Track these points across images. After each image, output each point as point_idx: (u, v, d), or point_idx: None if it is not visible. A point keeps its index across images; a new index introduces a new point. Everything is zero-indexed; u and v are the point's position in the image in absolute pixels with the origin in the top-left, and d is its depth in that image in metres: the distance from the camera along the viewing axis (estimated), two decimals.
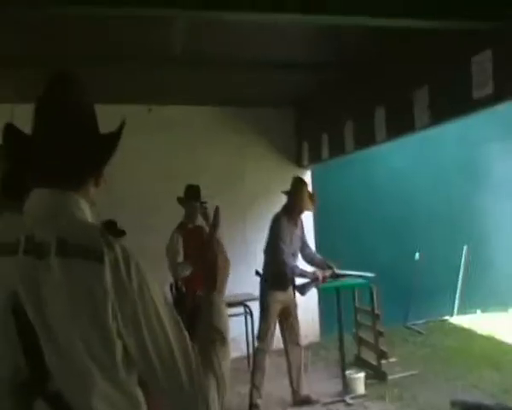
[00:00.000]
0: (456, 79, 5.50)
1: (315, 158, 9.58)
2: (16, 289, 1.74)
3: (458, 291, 11.73)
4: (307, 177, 10.14)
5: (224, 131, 9.71)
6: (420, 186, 11.53)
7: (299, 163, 10.21)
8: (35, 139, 1.93)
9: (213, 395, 1.86)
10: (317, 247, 8.90)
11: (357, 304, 8.85)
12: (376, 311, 8.37)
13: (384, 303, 8.60)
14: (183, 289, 7.07)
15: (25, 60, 6.44)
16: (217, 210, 2.22)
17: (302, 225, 7.71)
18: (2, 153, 3.26)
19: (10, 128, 2.00)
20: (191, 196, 7.44)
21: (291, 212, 7.41)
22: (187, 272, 7.01)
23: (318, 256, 7.91)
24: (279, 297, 7.37)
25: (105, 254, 1.74)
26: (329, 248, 9.18)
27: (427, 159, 11.62)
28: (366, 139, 7.43)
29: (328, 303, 8.48)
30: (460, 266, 11.80)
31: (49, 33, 5.99)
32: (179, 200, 7.47)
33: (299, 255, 7.74)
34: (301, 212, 7.49)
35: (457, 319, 11.47)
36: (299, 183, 7.46)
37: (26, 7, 4.05)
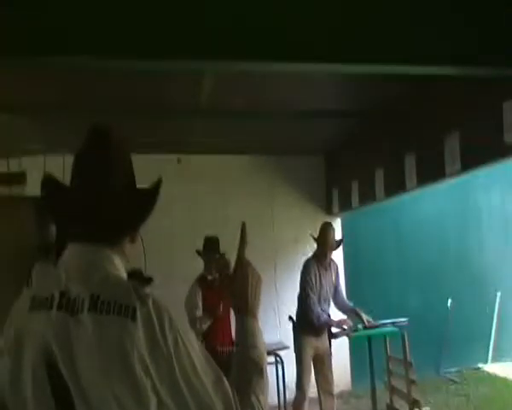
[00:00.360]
0: (487, 124, 5.44)
1: (345, 206, 9.54)
2: (50, 345, 1.74)
3: (492, 338, 11.52)
4: (337, 225, 10.13)
5: (253, 179, 9.73)
6: (450, 232, 11.45)
7: (328, 211, 10.18)
8: (73, 194, 1.93)
9: None
10: (347, 293, 8.83)
11: (388, 352, 8.74)
12: (409, 359, 8.26)
13: (416, 351, 8.45)
14: (203, 342, 7.00)
15: (54, 110, 6.51)
16: (243, 226, 2.20)
17: (337, 271, 7.75)
18: (41, 204, 3.29)
19: (50, 179, 2.01)
20: (209, 248, 7.32)
21: (319, 256, 7.50)
22: (205, 325, 6.95)
23: (350, 305, 7.87)
24: (311, 343, 7.37)
25: (137, 311, 1.73)
26: (359, 295, 9.11)
27: (457, 204, 11.53)
28: (396, 187, 7.38)
29: (360, 351, 8.39)
30: (493, 312, 11.61)
31: (77, 84, 6.07)
32: (198, 252, 7.38)
33: (332, 302, 7.75)
34: (326, 253, 7.49)
35: (492, 367, 11.22)
36: (323, 225, 7.61)
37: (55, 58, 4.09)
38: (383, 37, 4.22)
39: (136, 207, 1.96)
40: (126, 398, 1.70)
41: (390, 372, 8.77)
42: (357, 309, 7.74)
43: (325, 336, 7.50)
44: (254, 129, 8.24)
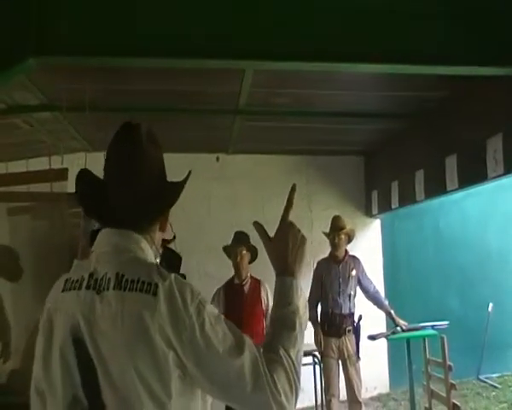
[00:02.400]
0: None
1: (384, 207, 9.46)
2: (77, 322, 1.84)
3: None
4: (377, 226, 10.08)
5: (292, 180, 9.57)
6: (492, 234, 11.27)
7: (368, 212, 10.12)
8: (106, 185, 2.04)
9: (285, 388, 1.84)
10: (385, 295, 8.79)
11: (427, 355, 8.66)
12: (448, 362, 8.17)
13: (455, 354, 8.37)
14: None
15: (95, 108, 6.56)
16: (293, 188, 2.22)
17: (358, 267, 7.74)
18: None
19: (84, 173, 2.13)
20: (235, 240, 6.99)
21: (331, 251, 7.79)
22: None
23: (384, 302, 7.87)
24: (332, 344, 7.44)
25: (159, 287, 1.81)
26: (398, 297, 9.06)
27: (499, 205, 11.36)
28: (437, 188, 7.30)
29: (398, 354, 8.34)
30: None
31: (119, 83, 6.12)
32: (224, 249, 7.10)
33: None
34: (332, 246, 7.72)
35: None
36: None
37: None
38: (405, 37, 4.21)
39: (162, 193, 2.03)
40: (147, 370, 1.76)
41: (429, 376, 8.70)
42: (393, 313, 7.72)
43: (349, 337, 7.49)
44: (294, 129, 8.23)
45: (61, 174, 5.76)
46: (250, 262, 7.01)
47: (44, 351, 1.92)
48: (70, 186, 6.03)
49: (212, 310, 1.87)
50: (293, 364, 1.90)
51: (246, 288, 7.01)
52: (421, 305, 9.80)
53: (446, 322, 7.81)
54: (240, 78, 5.89)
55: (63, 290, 1.95)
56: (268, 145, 9.19)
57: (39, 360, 1.94)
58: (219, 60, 4.22)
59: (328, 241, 7.74)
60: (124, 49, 4.04)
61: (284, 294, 2.02)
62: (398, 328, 7.66)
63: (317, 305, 7.59)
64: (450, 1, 4.25)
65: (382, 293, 8.69)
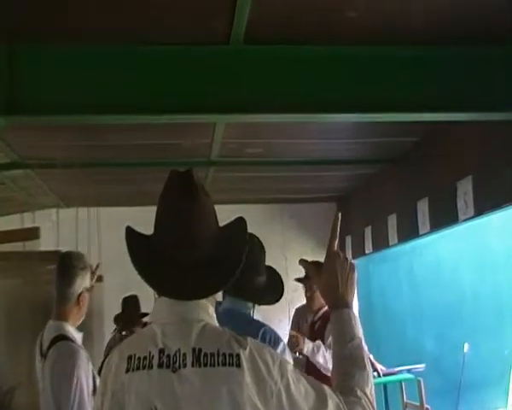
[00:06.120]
0: (501, 168, 5.40)
1: (358, 252, 9.48)
2: (154, 405, 1.71)
3: (510, 382, 11.33)
4: None
5: (266, 228, 9.65)
6: (465, 275, 11.32)
7: None
8: (168, 247, 1.89)
9: None
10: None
11: (405, 399, 8.64)
12: (425, 405, 8.16)
13: (432, 397, 8.37)
14: None
15: (67, 164, 6.53)
16: (336, 218, 2.19)
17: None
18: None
19: (133, 232, 2.00)
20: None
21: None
22: None
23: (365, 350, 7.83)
24: None
25: (241, 357, 1.72)
26: (374, 341, 9.01)
27: (472, 247, 11.42)
28: (409, 232, 7.35)
29: (376, 399, 8.30)
30: (511, 355, 11.44)
31: (87, 139, 6.13)
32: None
33: None
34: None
35: None
36: None
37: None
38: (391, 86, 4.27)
39: (235, 255, 1.92)
40: None
41: None
42: (372, 358, 7.69)
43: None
44: (267, 178, 8.26)
45: (33, 233, 5.75)
46: None
47: None
48: (42, 243, 6.01)
49: (291, 367, 1.81)
50: (371, 403, 1.91)
51: None
52: (397, 348, 9.79)
53: (423, 365, 7.81)
54: (212, 130, 5.92)
55: (128, 370, 1.78)
56: (242, 195, 9.19)
57: None
58: (190, 115, 4.25)
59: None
60: (96, 107, 4.04)
61: (344, 328, 2.01)
62: (375, 373, 7.64)
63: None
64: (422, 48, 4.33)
65: None
